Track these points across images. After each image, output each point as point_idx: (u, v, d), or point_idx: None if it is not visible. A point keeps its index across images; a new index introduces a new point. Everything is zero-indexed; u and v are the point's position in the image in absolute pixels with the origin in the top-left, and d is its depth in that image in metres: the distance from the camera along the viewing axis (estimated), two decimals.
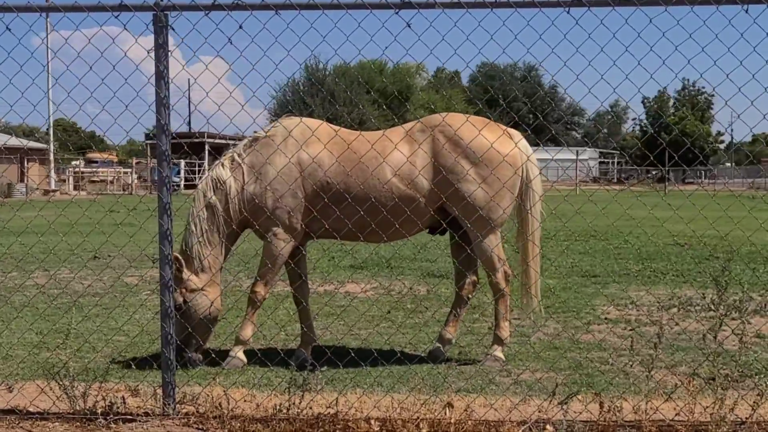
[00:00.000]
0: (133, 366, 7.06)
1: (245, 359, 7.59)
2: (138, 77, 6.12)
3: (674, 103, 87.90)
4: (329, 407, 5.13)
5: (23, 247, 12.39)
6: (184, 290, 7.42)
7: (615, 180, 75.98)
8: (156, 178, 5.73)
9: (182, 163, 57.28)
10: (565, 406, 5.01)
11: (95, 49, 5.88)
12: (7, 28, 5.50)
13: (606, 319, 9.74)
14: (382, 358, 7.10)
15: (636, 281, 12.66)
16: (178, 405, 5.33)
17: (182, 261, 7.43)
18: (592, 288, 12.01)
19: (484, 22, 5.48)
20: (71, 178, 58.11)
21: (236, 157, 7.72)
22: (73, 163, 65.17)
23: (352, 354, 6.99)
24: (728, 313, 8.01)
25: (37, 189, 49.32)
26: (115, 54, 5.72)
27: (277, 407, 5.13)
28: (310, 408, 5.10)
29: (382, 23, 5.40)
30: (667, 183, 52.76)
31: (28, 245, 12.46)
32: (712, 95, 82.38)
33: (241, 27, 4.89)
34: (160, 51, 5.14)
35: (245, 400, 5.46)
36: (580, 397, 5.43)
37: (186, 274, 7.45)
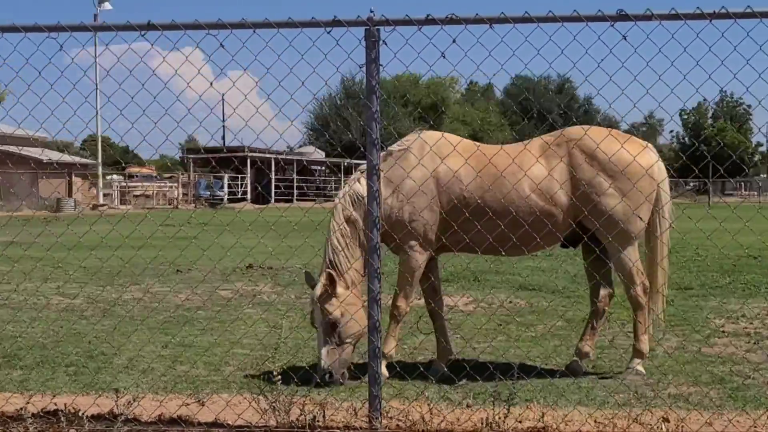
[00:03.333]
0: (269, 378, 7.08)
1: (387, 373, 7.58)
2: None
3: (713, 113, 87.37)
4: (537, 422, 5.11)
5: (99, 260, 12.62)
6: (337, 304, 7.42)
7: None
8: (366, 192, 5.78)
9: (226, 177, 57.33)
10: None
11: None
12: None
13: (724, 332, 9.67)
14: (520, 371, 7.03)
15: (732, 294, 12.55)
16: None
17: (336, 276, 7.43)
18: (691, 301, 11.91)
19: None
20: (117, 193, 58.35)
21: None
22: (111, 177, 65.39)
23: (491, 368, 6.98)
24: None
25: (85, 204, 49.80)
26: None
27: (483, 421, 5.12)
28: (519, 422, 5.09)
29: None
30: (710, 195, 52.46)
31: (103, 259, 12.62)
32: (750, 105, 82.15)
33: (436, 43, 4.91)
34: (372, 66, 5.16)
35: (443, 413, 5.43)
36: None
37: (340, 288, 7.45)
